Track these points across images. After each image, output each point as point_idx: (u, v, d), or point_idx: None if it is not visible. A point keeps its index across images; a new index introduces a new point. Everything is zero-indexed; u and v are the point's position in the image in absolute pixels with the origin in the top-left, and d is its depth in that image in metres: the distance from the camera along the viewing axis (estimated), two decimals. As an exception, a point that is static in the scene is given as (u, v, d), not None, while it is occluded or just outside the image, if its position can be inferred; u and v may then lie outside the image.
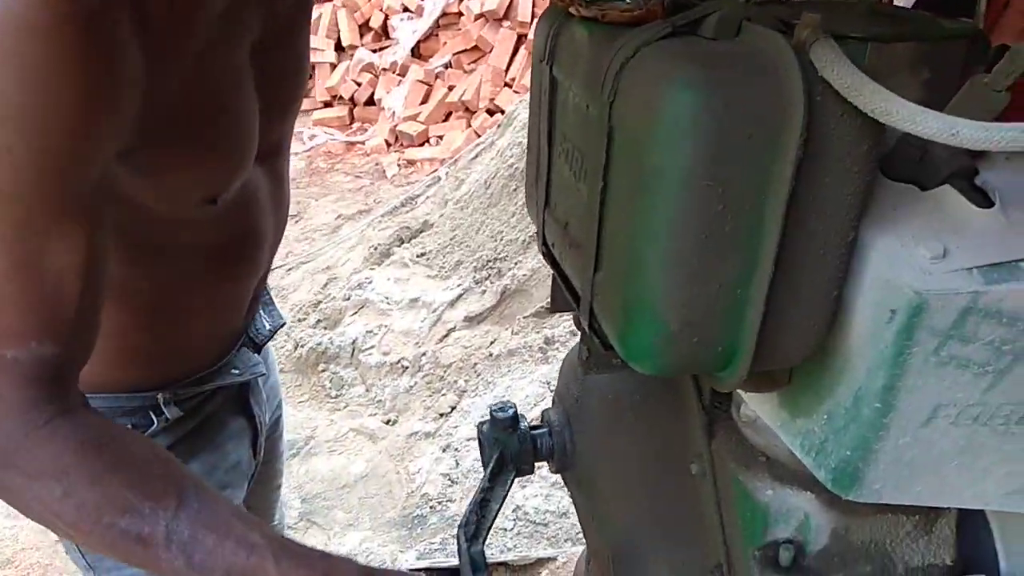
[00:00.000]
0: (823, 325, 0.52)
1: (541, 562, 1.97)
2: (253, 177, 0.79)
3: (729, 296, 0.48)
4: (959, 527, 0.63)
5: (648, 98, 0.46)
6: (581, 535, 0.89)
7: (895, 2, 0.98)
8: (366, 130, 5.30)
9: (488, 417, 0.82)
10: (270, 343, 1.11)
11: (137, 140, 0.60)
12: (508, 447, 0.82)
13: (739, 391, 0.63)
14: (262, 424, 1.06)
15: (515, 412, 0.82)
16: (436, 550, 2.02)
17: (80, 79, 0.53)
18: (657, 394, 0.75)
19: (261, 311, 1.05)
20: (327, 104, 5.51)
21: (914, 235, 0.50)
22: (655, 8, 0.54)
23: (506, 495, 0.81)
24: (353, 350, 2.64)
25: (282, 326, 1.09)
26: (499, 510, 0.80)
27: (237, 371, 0.96)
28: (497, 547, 1.98)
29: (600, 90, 0.52)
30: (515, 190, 3.01)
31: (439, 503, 2.14)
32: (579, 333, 0.79)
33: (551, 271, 0.71)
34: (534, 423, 0.86)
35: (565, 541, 2.00)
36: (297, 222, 3.97)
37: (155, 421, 0.87)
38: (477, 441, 0.86)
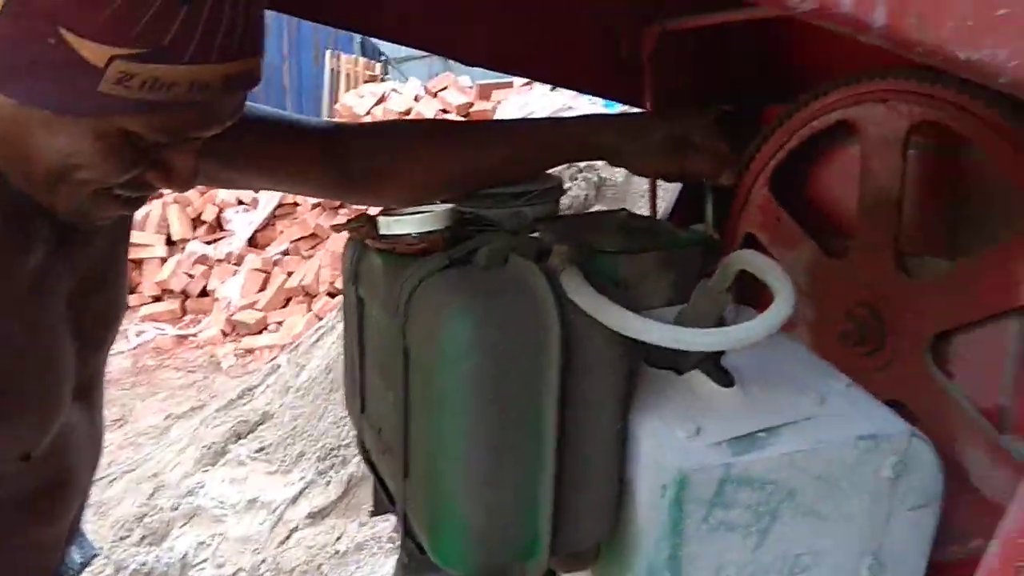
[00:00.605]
0: (612, 507, 0.58)
1: None
2: (67, 418, 0.76)
3: (522, 495, 0.53)
4: None
5: (431, 326, 0.52)
6: None
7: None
8: (199, 322, 5.13)
9: None
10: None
11: None
12: None
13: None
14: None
15: None
16: None
17: None
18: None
19: (72, 543, 0.96)
20: (156, 299, 5.31)
21: (672, 416, 0.59)
22: (437, 239, 0.62)
23: None
24: (183, 567, 2.39)
25: (95, 557, 1.00)
26: None
27: None
28: None
29: (395, 314, 0.58)
30: (357, 374, 2.99)
31: None
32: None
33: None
34: None
35: None
36: (121, 427, 3.66)
37: None
38: None
